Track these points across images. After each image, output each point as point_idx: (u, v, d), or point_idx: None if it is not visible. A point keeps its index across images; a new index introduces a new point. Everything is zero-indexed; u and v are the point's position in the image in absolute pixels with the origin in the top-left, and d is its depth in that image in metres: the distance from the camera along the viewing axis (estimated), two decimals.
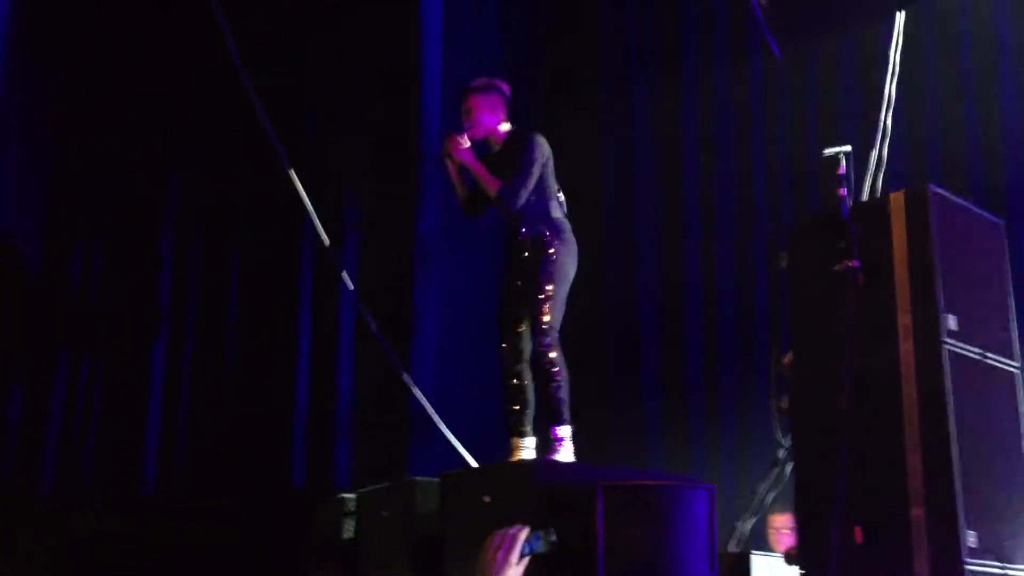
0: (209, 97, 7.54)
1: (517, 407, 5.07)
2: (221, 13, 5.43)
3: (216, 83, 7.20)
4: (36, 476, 7.07)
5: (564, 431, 4.94)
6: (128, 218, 7.66)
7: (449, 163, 5.24)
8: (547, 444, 4.95)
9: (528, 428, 5.07)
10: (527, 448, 5.04)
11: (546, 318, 4.98)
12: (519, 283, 5.14)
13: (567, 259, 5.13)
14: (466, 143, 5.17)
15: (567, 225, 5.20)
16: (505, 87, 5.33)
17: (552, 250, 5.07)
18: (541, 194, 5.16)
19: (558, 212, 5.21)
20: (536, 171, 5.12)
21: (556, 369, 4.94)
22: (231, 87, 5.93)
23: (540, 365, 4.98)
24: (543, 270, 5.04)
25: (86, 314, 7.49)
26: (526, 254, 5.11)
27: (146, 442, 7.25)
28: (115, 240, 7.61)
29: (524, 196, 5.09)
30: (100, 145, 7.58)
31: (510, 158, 5.18)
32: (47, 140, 7.56)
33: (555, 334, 4.99)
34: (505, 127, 5.28)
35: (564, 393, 4.96)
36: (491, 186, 5.12)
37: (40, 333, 7.30)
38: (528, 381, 5.08)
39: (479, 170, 5.16)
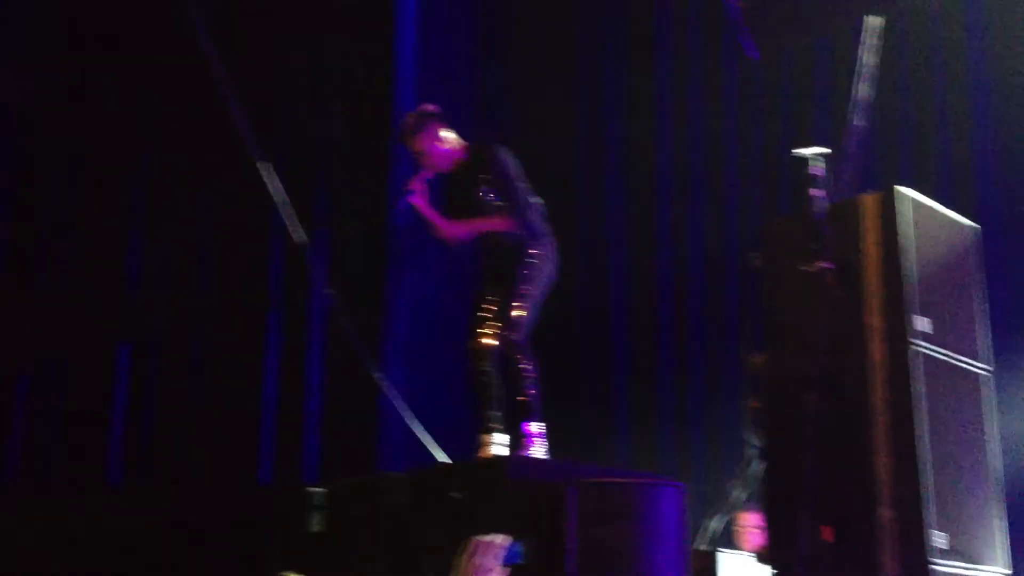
0: (180, 92, 7.47)
1: (485, 403, 5.06)
2: (195, 8, 5.39)
3: (188, 78, 7.14)
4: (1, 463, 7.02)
5: (536, 427, 4.93)
6: (93, 213, 7.59)
7: (417, 201, 5.12)
8: (518, 441, 4.94)
9: (497, 424, 5.05)
10: (496, 444, 5.03)
11: (517, 315, 4.97)
12: (494, 283, 5.12)
13: (545, 263, 5.13)
14: (422, 199, 5.06)
15: (546, 229, 5.19)
16: (431, 108, 5.17)
17: (531, 253, 5.07)
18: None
19: (535, 215, 5.20)
20: (518, 182, 5.08)
21: (526, 367, 4.94)
22: (203, 82, 5.90)
23: (511, 363, 4.96)
24: (520, 271, 5.03)
25: (49, 311, 7.42)
26: (503, 256, 5.10)
27: (110, 437, 7.19)
28: (80, 235, 7.54)
29: (529, 209, 5.06)
30: (64, 141, 7.51)
31: (475, 171, 5.12)
32: (9, 136, 7.48)
33: (526, 333, 4.99)
34: (458, 143, 5.18)
35: (535, 390, 4.95)
36: (485, 227, 5.04)
37: (3, 330, 7.23)
38: (496, 378, 5.06)
39: (457, 230, 5.06)
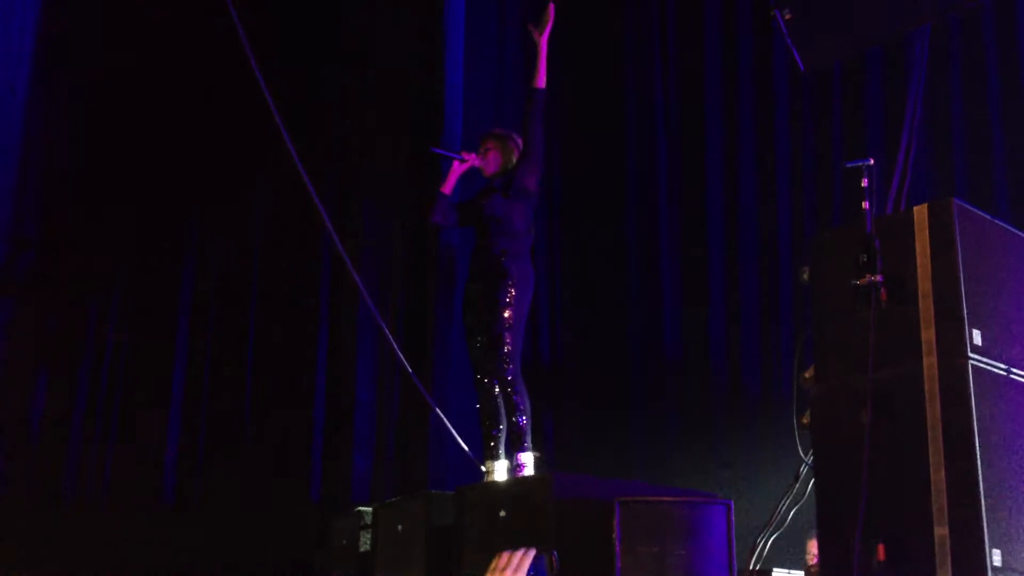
0: (230, 105, 7.53)
1: (486, 431, 5.21)
2: (239, 20, 5.50)
3: (238, 92, 7.20)
4: (59, 479, 7.09)
5: (526, 456, 5.06)
6: (147, 239, 7.66)
7: (456, 164, 5.56)
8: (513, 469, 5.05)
9: (498, 451, 5.17)
10: (500, 471, 5.12)
11: (507, 348, 5.05)
12: (486, 306, 5.24)
13: (527, 289, 5.25)
14: (460, 168, 5.58)
15: (529, 253, 5.37)
16: (520, 141, 5.58)
17: (510, 277, 5.18)
18: (527, 218, 5.35)
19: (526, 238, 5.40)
20: (531, 198, 5.38)
21: (518, 397, 5.02)
22: (252, 95, 5.97)
23: (504, 393, 5.09)
24: (503, 298, 5.14)
25: (105, 331, 7.51)
26: (489, 274, 5.25)
27: (166, 453, 7.24)
28: (134, 260, 7.61)
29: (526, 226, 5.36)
30: (117, 160, 7.61)
31: (499, 188, 5.46)
32: (69, 151, 7.59)
33: (517, 360, 5.06)
34: (505, 169, 5.58)
35: (525, 419, 5.08)
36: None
37: (60, 342, 7.33)
38: (498, 405, 5.16)
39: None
